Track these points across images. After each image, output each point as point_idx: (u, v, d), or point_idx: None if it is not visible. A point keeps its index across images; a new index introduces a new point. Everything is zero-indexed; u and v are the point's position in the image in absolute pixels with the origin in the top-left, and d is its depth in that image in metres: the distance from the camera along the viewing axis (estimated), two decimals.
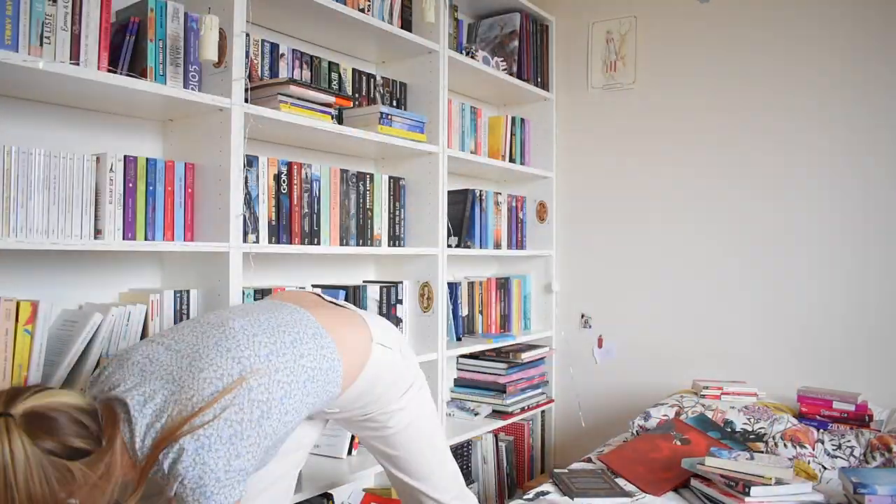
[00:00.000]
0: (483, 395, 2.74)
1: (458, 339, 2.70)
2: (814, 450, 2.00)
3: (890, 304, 2.41)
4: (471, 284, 2.80)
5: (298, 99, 1.91)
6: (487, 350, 2.77)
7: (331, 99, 2.00)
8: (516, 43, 2.93)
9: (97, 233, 1.57)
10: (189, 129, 1.83)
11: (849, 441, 2.05)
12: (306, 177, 2.04)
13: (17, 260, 1.61)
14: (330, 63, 2.27)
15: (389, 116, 2.20)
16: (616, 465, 1.97)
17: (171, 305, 1.75)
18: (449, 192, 2.55)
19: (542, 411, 3.06)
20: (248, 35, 1.87)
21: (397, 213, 2.36)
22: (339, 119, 2.22)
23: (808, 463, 1.94)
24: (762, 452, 1.99)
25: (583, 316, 3.04)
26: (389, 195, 2.33)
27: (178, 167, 1.73)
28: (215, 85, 1.75)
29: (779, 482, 1.60)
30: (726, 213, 2.71)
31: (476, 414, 2.66)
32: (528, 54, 2.98)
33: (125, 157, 1.61)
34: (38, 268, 1.65)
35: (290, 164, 1.99)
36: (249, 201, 1.87)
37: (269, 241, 1.93)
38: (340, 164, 2.38)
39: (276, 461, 1.47)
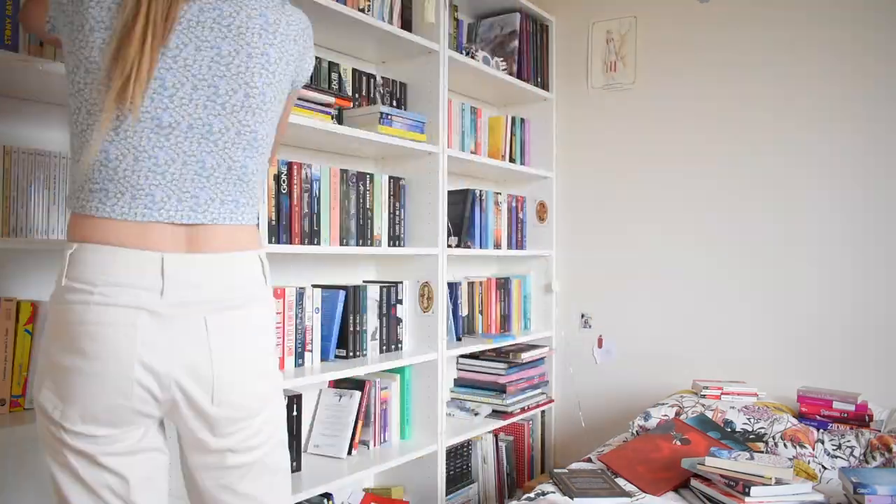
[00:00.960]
0: (483, 395, 2.74)
1: (458, 339, 2.70)
2: (814, 450, 2.00)
3: (890, 304, 2.41)
4: (471, 284, 2.80)
5: (298, 99, 1.91)
6: (487, 350, 2.78)
7: (331, 99, 2.01)
8: (516, 43, 2.93)
9: None
10: None
11: (849, 441, 2.05)
12: (306, 177, 2.04)
13: (17, 260, 1.61)
14: (330, 63, 2.27)
15: (389, 116, 2.20)
16: (616, 465, 1.97)
17: None
18: (449, 192, 2.55)
19: (542, 411, 3.06)
20: None
21: (397, 213, 2.37)
22: (339, 119, 2.22)
23: (808, 463, 1.94)
24: (762, 452, 1.99)
25: (583, 316, 3.04)
26: (389, 195, 2.33)
27: None
28: None
29: (779, 482, 1.60)
30: (726, 213, 2.71)
31: (476, 414, 2.66)
32: (528, 54, 2.98)
33: None
34: (38, 268, 1.65)
35: (290, 164, 2.00)
36: None
37: (269, 241, 1.93)
38: (340, 164, 2.38)
39: None
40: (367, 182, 2.24)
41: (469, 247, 2.70)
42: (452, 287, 2.68)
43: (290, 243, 1.99)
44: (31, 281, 1.63)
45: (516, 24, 2.93)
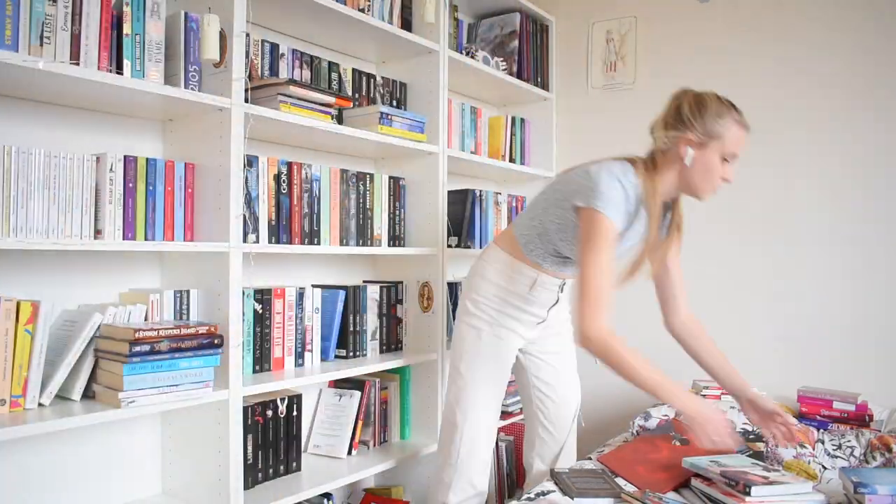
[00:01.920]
0: None
1: None
2: (814, 450, 2.00)
3: (890, 304, 2.41)
4: None
5: (298, 99, 1.91)
6: None
7: (331, 99, 2.01)
8: (516, 43, 2.93)
9: (97, 233, 1.57)
10: (189, 129, 1.83)
11: (849, 441, 2.05)
12: (306, 177, 2.04)
13: (17, 260, 1.61)
14: (330, 63, 2.27)
15: (389, 116, 2.20)
16: (615, 465, 1.97)
17: (171, 305, 1.75)
18: (449, 192, 2.55)
19: None
20: (248, 35, 1.87)
21: (397, 213, 2.36)
22: (339, 119, 2.22)
23: (808, 463, 1.94)
24: (762, 452, 1.99)
25: None
26: (389, 195, 2.33)
27: (178, 167, 1.73)
28: (215, 85, 1.75)
29: (778, 482, 1.60)
30: (726, 213, 2.71)
31: None
32: (528, 54, 2.98)
33: (125, 157, 1.61)
34: (38, 268, 1.65)
35: (290, 164, 2.00)
36: (249, 201, 1.87)
37: (269, 241, 1.93)
38: (340, 164, 2.38)
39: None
40: (367, 182, 2.24)
41: (469, 247, 2.70)
42: (452, 287, 2.68)
43: (290, 243, 1.99)
44: (31, 281, 1.63)
45: (516, 24, 2.93)
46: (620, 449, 2.08)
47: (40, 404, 1.50)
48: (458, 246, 2.68)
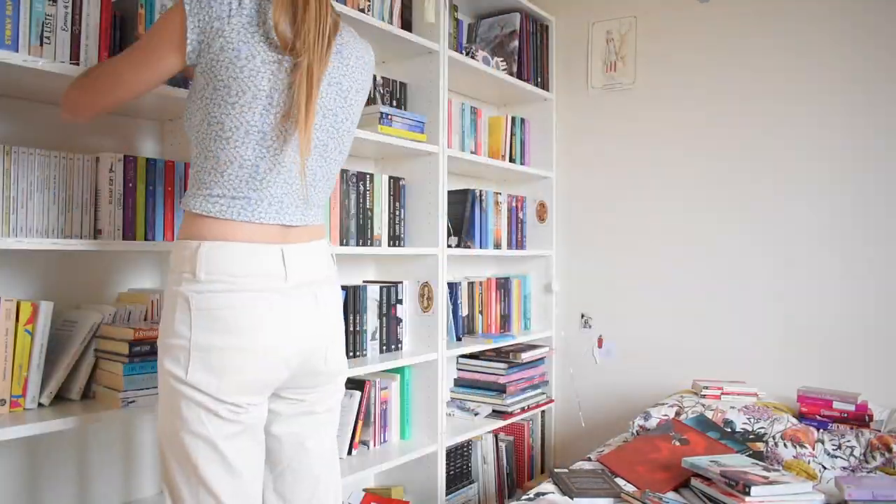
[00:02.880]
0: (483, 395, 2.74)
1: (458, 339, 2.70)
2: (814, 450, 2.00)
3: (890, 304, 2.41)
4: (471, 284, 2.80)
5: None
6: (487, 350, 2.77)
7: None
8: (516, 43, 2.93)
9: (97, 233, 1.57)
10: None
11: (849, 441, 2.05)
12: None
13: (17, 260, 1.61)
14: None
15: (389, 116, 2.20)
16: (615, 465, 1.97)
17: None
18: (449, 192, 2.55)
19: (542, 411, 3.06)
20: None
21: (397, 213, 2.36)
22: None
23: (809, 463, 1.94)
24: (762, 452, 1.99)
25: (583, 316, 3.04)
26: (389, 195, 2.33)
27: (178, 167, 1.73)
28: None
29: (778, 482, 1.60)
30: (726, 213, 2.71)
31: (476, 414, 2.66)
32: (528, 54, 2.98)
33: (125, 157, 1.61)
34: (38, 268, 1.65)
35: None
36: None
37: None
38: None
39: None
40: (367, 182, 2.24)
41: (469, 247, 2.70)
42: (452, 287, 2.68)
43: None
44: (31, 281, 1.63)
45: (516, 24, 2.93)
46: (620, 449, 2.08)
47: (40, 404, 1.50)
48: (458, 246, 2.68)
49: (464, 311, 2.75)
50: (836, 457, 1.97)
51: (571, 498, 1.73)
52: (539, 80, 3.05)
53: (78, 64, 1.48)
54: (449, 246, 2.52)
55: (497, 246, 2.87)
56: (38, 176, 1.46)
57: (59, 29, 1.46)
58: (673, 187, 2.83)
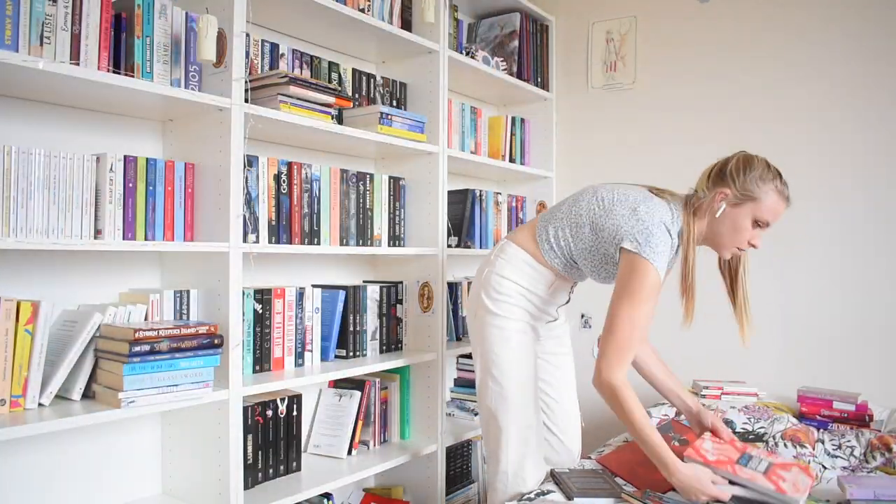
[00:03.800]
0: None
1: (458, 339, 2.70)
2: (814, 450, 2.00)
3: (890, 304, 2.41)
4: (471, 284, 2.79)
5: (298, 99, 1.91)
6: None
7: (331, 99, 2.00)
8: (516, 43, 2.93)
9: (97, 233, 1.57)
10: (189, 129, 1.83)
11: (849, 441, 2.05)
12: (306, 177, 2.04)
13: (17, 260, 1.61)
14: (330, 63, 2.27)
15: (389, 116, 2.20)
16: (615, 466, 1.97)
17: (171, 305, 1.75)
18: (449, 192, 2.55)
19: None
20: (248, 35, 1.87)
21: (397, 213, 2.36)
22: (339, 119, 2.22)
23: (809, 463, 1.94)
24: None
25: (583, 316, 3.04)
26: (389, 195, 2.33)
27: (178, 167, 1.73)
28: (215, 85, 1.75)
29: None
30: None
31: (476, 414, 2.66)
32: (528, 54, 2.98)
33: (125, 157, 1.61)
34: (38, 268, 1.65)
35: (290, 164, 1.99)
36: (249, 201, 1.87)
37: (269, 241, 1.93)
38: (340, 164, 2.37)
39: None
40: (367, 182, 2.24)
41: (469, 247, 2.70)
42: (452, 287, 2.68)
43: (290, 243, 1.99)
44: (31, 281, 1.63)
45: (516, 24, 2.93)
46: (620, 449, 2.08)
47: (40, 404, 1.50)
48: (457, 246, 2.68)
49: (464, 311, 2.75)
50: (837, 457, 1.97)
51: (571, 498, 1.73)
52: (539, 80, 3.05)
53: (78, 64, 1.48)
54: (449, 246, 2.52)
55: None
56: (38, 176, 1.46)
57: (59, 29, 1.46)
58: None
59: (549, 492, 1.78)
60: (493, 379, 1.84)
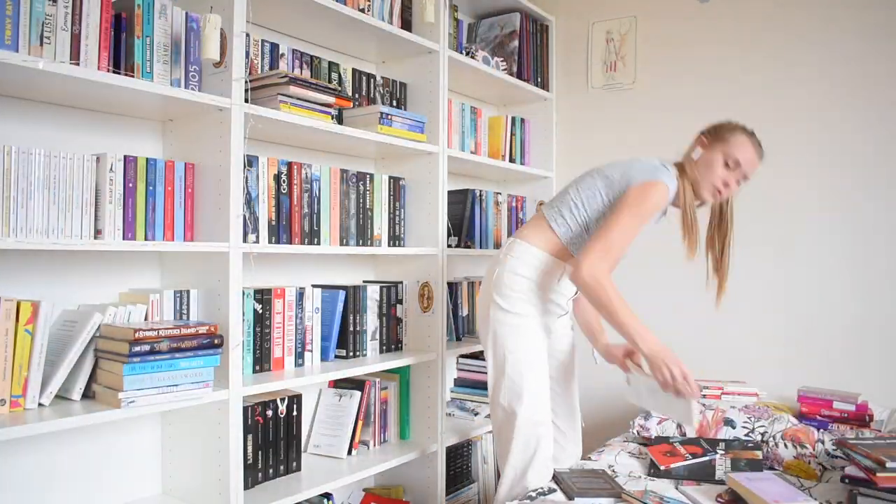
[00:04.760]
0: (483, 395, 2.73)
1: (458, 339, 2.70)
2: (814, 449, 2.00)
3: (891, 304, 2.41)
4: (471, 284, 2.80)
5: (298, 99, 1.91)
6: None
7: (331, 99, 2.00)
8: (516, 43, 2.93)
9: (97, 233, 1.57)
10: (189, 129, 1.83)
11: None
12: (306, 177, 2.04)
13: (17, 260, 1.61)
14: (330, 63, 2.27)
15: (389, 116, 2.20)
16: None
17: (171, 305, 1.75)
18: (449, 192, 2.55)
19: None
20: (248, 35, 1.87)
21: (397, 213, 2.36)
22: (339, 119, 2.22)
23: (809, 463, 1.94)
24: (759, 459, 1.99)
25: None
26: (389, 195, 2.33)
27: (178, 167, 1.73)
28: (215, 85, 1.75)
29: None
30: None
31: (476, 414, 2.66)
32: (528, 54, 2.98)
33: (125, 157, 1.61)
34: (38, 268, 1.65)
35: (290, 164, 1.99)
36: (249, 201, 1.87)
37: (269, 241, 1.93)
38: (340, 164, 2.37)
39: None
40: (367, 182, 2.24)
41: (469, 247, 2.70)
42: (452, 287, 2.68)
43: (290, 243, 1.99)
44: (31, 281, 1.63)
45: (516, 24, 2.93)
46: None
47: (40, 404, 1.50)
48: (457, 246, 2.68)
49: (464, 311, 2.75)
50: (836, 457, 1.97)
51: (571, 498, 1.73)
52: (539, 80, 3.05)
53: (78, 64, 1.48)
54: (449, 246, 2.52)
55: (497, 246, 2.87)
56: (38, 176, 1.46)
57: (59, 29, 1.46)
58: None
59: (549, 492, 1.78)
60: (507, 375, 1.87)
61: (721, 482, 1.86)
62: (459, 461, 2.60)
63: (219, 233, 1.74)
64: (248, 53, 1.95)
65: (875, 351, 2.43)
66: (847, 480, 1.64)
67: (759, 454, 1.98)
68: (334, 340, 2.18)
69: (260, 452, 1.94)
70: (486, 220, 2.79)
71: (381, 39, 2.30)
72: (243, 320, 1.81)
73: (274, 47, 2.10)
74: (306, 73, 2.19)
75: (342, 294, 2.18)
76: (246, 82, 1.77)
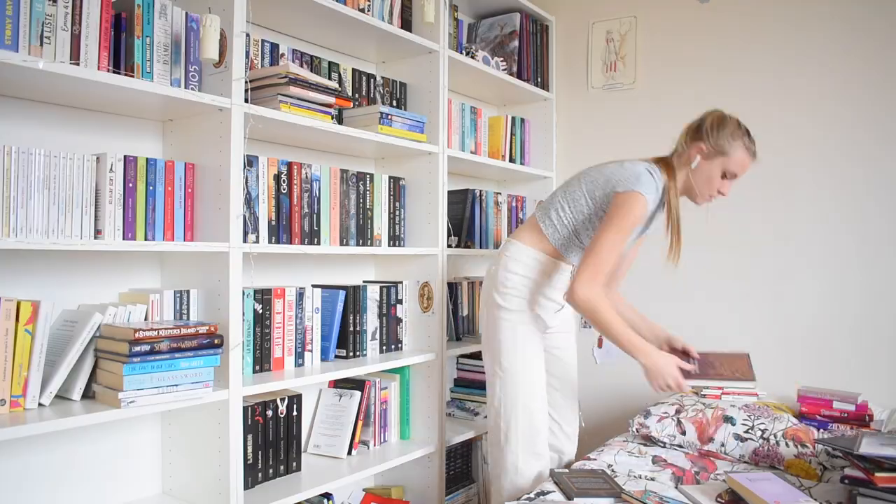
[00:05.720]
0: (483, 395, 2.72)
1: (458, 339, 2.69)
2: (814, 449, 2.00)
3: (891, 304, 2.41)
4: (471, 284, 2.80)
5: (298, 99, 1.91)
6: None
7: (331, 99, 2.00)
8: (516, 43, 2.93)
9: (97, 233, 1.57)
10: (189, 129, 1.83)
11: None
12: (306, 177, 2.04)
13: (17, 260, 1.61)
14: (330, 63, 2.27)
15: (389, 116, 2.20)
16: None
17: (171, 305, 1.75)
18: (449, 192, 2.55)
19: None
20: (248, 35, 1.87)
21: (397, 213, 2.36)
22: (339, 119, 2.22)
23: (809, 462, 1.94)
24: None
25: (582, 316, 3.03)
26: (389, 195, 2.33)
27: (178, 167, 1.73)
28: (215, 85, 1.75)
29: None
30: (726, 213, 2.70)
31: (476, 414, 2.66)
32: (528, 54, 2.98)
33: (125, 157, 1.61)
34: (38, 268, 1.65)
35: (290, 164, 2.00)
36: (249, 201, 1.87)
37: (269, 241, 1.93)
38: (340, 164, 2.38)
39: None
40: (367, 182, 2.24)
41: (469, 247, 2.70)
42: (452, 287, 2.68)
43: (290, 243, 1.99)
44: (31, 281, 1.63)
45: (516, 24, 2.93)
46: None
47: (40, 404, 1.50)
48: (458, 246, 2.68)
49: (464, 311, 2.75)
50: (836, 456, 1.97)
51: (571, 498, 1.73)
52: (539, 80, 3.05)
53: (78, 64, 1.48)
54: (449, 246, 2.52)
55: (497, 246, 2.87)
56: (38, 176, 1.46)
57: (59, 29, 1.46)
58: None
59: (549, 492, 1.78)
60: (502, 367, 1.95)
61: None
62: (459, 461, 2.60)
63: (219, 233, 1.74)
64: (248, 53, 1.95)
65: (875, 351, 2.43)
66: (847, 481, 1.64)
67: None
68: (334, 340, 2.18)
69: (260, 452, 1.94)
70: (486, 220, 2.79)
71: (381, 39, 2.31)
72: (243, 320, 1.81)
73: (274, 47, 2.10)
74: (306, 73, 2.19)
75: (342, 294, 2.18)
76: (246, 82, 1.77)
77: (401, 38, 2.30)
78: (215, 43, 1.64)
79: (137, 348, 1.52)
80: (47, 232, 1.48)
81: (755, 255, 2.65)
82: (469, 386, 2.80)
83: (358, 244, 2.20)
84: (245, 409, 1.85)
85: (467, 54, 2.65)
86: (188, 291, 1.79)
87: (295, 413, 2.05)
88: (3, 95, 1.57)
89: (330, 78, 2.26)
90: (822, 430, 2.13)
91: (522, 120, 3.05)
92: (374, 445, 2.31)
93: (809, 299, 2.54)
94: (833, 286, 2.51)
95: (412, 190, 2.44)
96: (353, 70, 2.36)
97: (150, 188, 1.67)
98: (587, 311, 1.83)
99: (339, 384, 2.31)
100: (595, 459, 2.08)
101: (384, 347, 2.34)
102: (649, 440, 2.23)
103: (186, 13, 1.70)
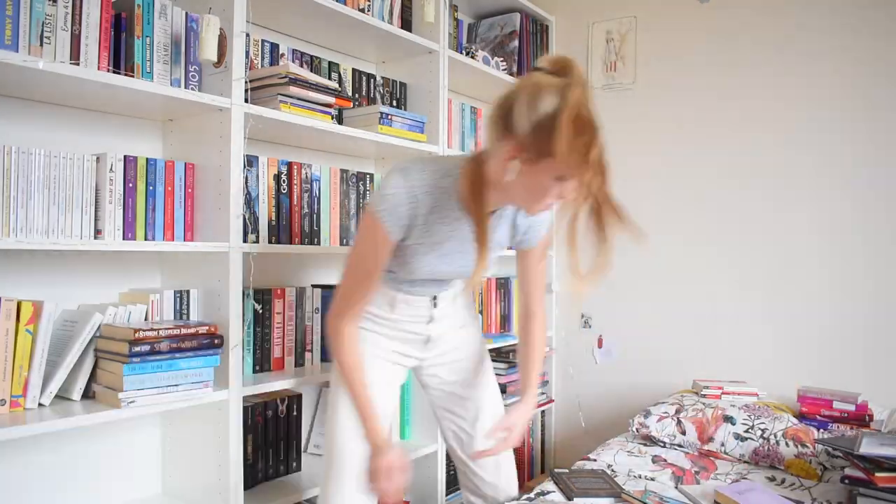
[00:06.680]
0: None
1: None
2: (814, 449, 2.00)
3: (890, 304, 2.41)
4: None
5: (298, 99, 1.91)
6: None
7: (331, 99, 2.00)
8: (516, 43, 2.93)
9: (97, 233, 1.57)
10: (189, 129, 1.83)
11: None
12: (306, 177, 2.04)
13: (18, 260, 1.61)
14: (330, 63, 2.27)
15: (389, 116, 2.20)
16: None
17: (171, 305, 1.75)
18: None
19: (542, 411, 3.06)
20: (248, 35, 1.87)
21: None
22: (339, 119, 2.22)
23: (809, 462, 1.94)
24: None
25: (583, 316, 3.04)
26: None
27: (178, 167, 1.73)
28: (215, 85, 1.75)
29: None
30: (726, 213, 2.71)
31: None
32: (528, 54, 2.98)
33: (125, 157, 1.61)
34: (38, 268, 1.65)
35: (290, 164, 2.00)
36: (249, 201, 1.87)
37: (269, 241, 1.93)
38: (340, 164, 2.37)
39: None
40: (367, 182, 2.24)
41: None
42: None
43: (290, 243, 1.99)
44: (31, 281, 1.63)
45: (516, 23, 2.93)
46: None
47: (40, 404, 1.50)
48: None
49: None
50: (836, 457, 1.97)
51: (571, 498, 1.73)
52: None
53: (78, 64, 1.48)
54: None
55: None
56: (38, 176, 1.46)
57: (59, 29, 1.46)
58: (673, 187, 2.82)
59: (548, 492, 1.78)
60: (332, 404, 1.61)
61: None
62: None
63: (219, 233, 1.74)
64: (248, 53, 1.95)
65: (875, 351, 2.43)
66: (847, 481, 1.64)
67: None
68: None
69: (260, 452, 1.94)
70: None
71: (380, 39, 2.30)
72: (243, 320, 1.82)
73: (274, 47, 2.10)
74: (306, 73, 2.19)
75: None
76: (246, 82, 1.77)
77: (401, 38, 2.30)
78: (213, 44, 1.64)
79: (137, 348, 1.52)
80: (47, 232, 1.48)
81: (756, 254, 2.65)
82: None
83: None
84: (245, 409, 1.85)
85: (467, 54, 2.65)
86: (188, 291, 1.79)
87: (295, 413, 2.05)
88: (3, 95, 1.57)
89: (330, 78, 2.26)
90: (822, 430, 2.13)
91: None
92: None
93: (810, 299, 2.54)
94: (834, 286, 2.51)
95: None
96: (353, 70, 2.36)
97: (150, 188, 1.67)
98: (330, 343, 1.55)
99: None
100: (595, 459, 2.08)
101: None
102: (649, 440, 2.22)
103: (186, 13, 1.70)
